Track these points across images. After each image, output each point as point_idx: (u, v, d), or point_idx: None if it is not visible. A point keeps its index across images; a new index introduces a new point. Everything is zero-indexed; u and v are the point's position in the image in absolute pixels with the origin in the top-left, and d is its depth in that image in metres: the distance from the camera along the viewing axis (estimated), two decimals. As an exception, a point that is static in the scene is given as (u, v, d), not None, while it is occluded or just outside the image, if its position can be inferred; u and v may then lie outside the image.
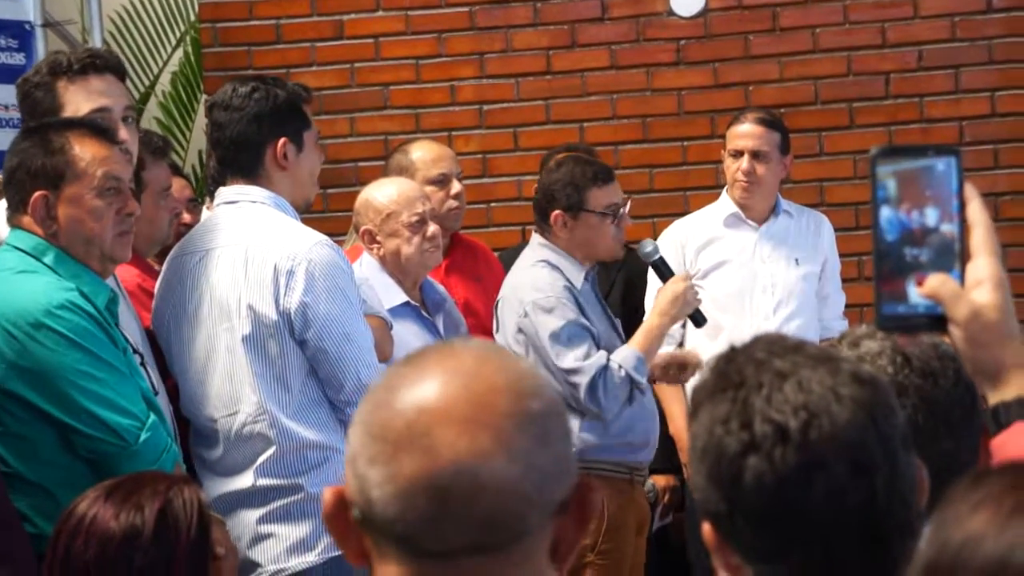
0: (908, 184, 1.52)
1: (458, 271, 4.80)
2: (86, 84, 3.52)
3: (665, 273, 4.44)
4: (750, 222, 5.04)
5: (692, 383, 1.61)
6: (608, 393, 4.27)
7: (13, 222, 3.25)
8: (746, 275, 4.96)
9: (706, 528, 1.53)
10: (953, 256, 1.50)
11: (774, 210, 5.05)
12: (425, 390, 1.33)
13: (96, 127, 3.29)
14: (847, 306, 5.17)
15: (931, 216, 1.51)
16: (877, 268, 1.50)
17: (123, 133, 3.47)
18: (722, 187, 5.22)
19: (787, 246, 5.02)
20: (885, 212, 1.51)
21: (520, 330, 4.38)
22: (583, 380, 4.27)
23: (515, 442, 1.31)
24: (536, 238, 4.57)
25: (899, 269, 1.51)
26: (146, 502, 2.48)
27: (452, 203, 4.67)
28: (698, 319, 4.41)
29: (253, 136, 3.62)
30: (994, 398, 1.49)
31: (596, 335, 4.36)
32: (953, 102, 5.86)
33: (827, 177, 5.91)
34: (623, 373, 4.28)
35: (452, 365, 1.34)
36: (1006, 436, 1.45)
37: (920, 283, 1.50)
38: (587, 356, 4.30)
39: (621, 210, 4.47)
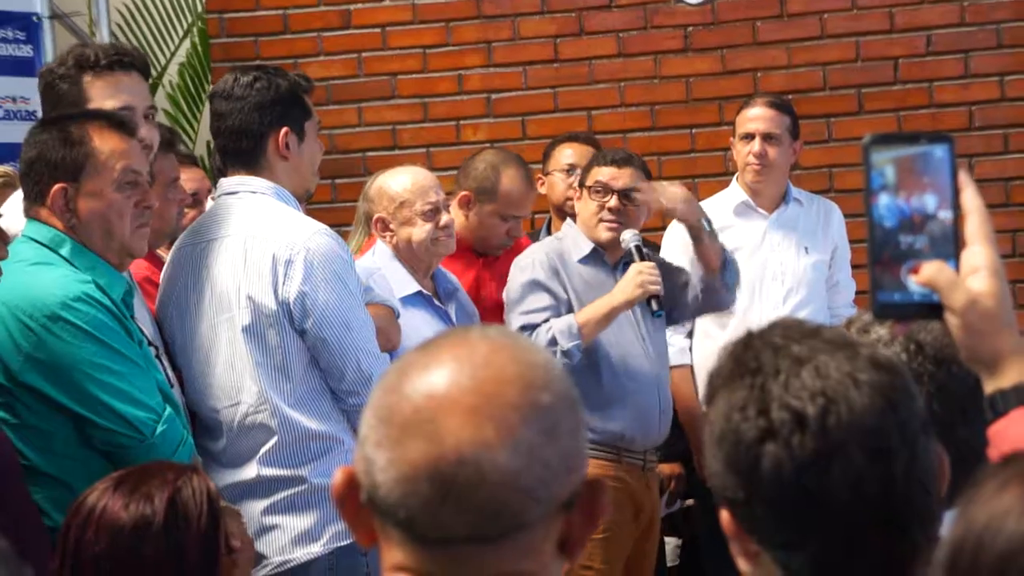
0: (905, 171, 1.51)
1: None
2: (112, 80, 3.52)
3: (634, 260, 4.44)
4: (760, 210, 5.03)
5: (709, 368, 1.58)
6: None
7: (30, 213, 3.25)
8: (756, 263, 4.95)
9: (724, 515, 1.53)
10: (949, 244, 1.50)
11: (784, 198, 5.04)
12: (435, 377, 1.32)
13: (115, 120, 3.28)
14: (857, 293, 5.16)
15: (927, 203, 1.50)
16: (873, 255, 1.49)
17: (144, 131, 3.47)
18: (731, 175, 5.21)
19: (797, 234, 5.01)
20: (883, 199, 1.50)
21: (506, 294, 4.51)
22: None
23: (520, 434, 1.30)
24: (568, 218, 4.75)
25: (895, 257, 1.50)
26: (155, 492, 2.48)
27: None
28: (652, 305, 4.39)
29: (254, 126, 3.62)
30: (990, 386, 1.48)
31: (562, 301, 4.40)
32: (962, 87, 5.84)
33: (836, 163, 5.90)
34: (549, 335, 4.29)
35: (464, 353, 1.34)
36: (1005, 423, 1.44)
37: (916, 271, 1.49)
38: (528, 312, 4.37)
39: (612, 194, 4.47)
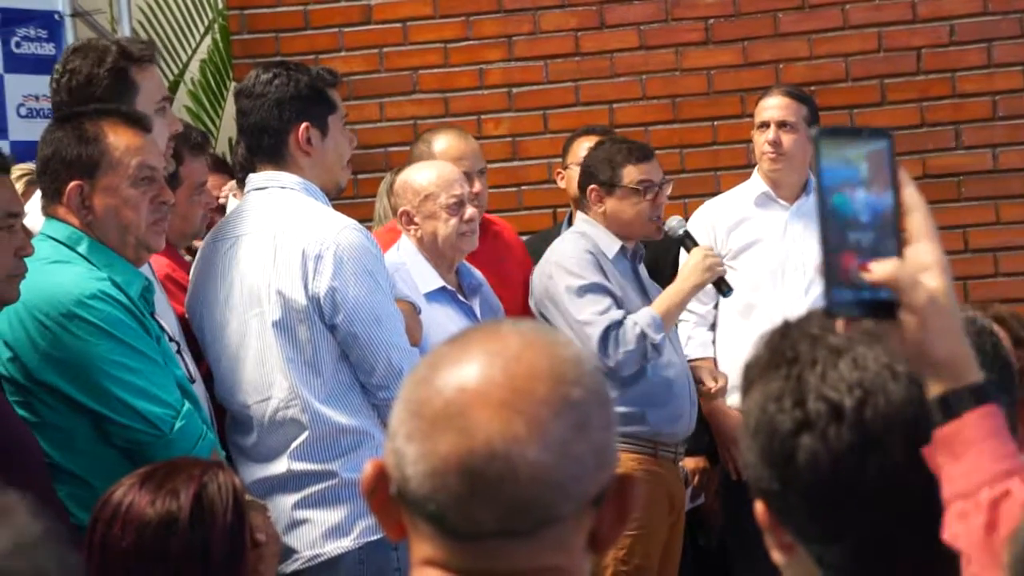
0: (851, 166, 1.47)
1: (480, 253, 4.78)
2: (153, 73, 3.57)
3: (690, 246, 4.52)
4: (781, 201, 5.02)
5: (745, 358, 1.57)
6: (620, 347, 4.34)
7: (48, 211, 3.26)
8: (778, 254, 4.94)
9: (759, 506, 1.52)
10: (893, 240, 1.45)
11: (805, 188, 5.04)
12: (466, 371, 1.32)
13: (130, 116, 3.29)
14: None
15: (872, 199, 1.46)
16: (824, 251, 1.45)
17: (172, 120, 3.56)
18: (753, 167, 5.20)
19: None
20: (832, 194, 1.46)
21: (547, 293, 4.48)
22: (595, 331, 4.35)
23: (550, 429, 1.30)
24: (579, 215, 4.71)
25: (846, 253, 1.45)
26: (181, 487, 2.48)
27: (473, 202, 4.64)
28: (722, 287, 4.46)
29: (274, 122, 3.64)
30: (941, 386, 1.42)
31: (618, 299, 4.42)
32: (986, 76, 5.81)
33: (859, 154, 5.86)
34: (638, 330, 4.33)
35: (496, 347, 1.34)
36: (957, 426, 1.39)
37: (865, 268, 1.44)
38: (605, 311, 4.37)
39: (657, 188, 4.52)
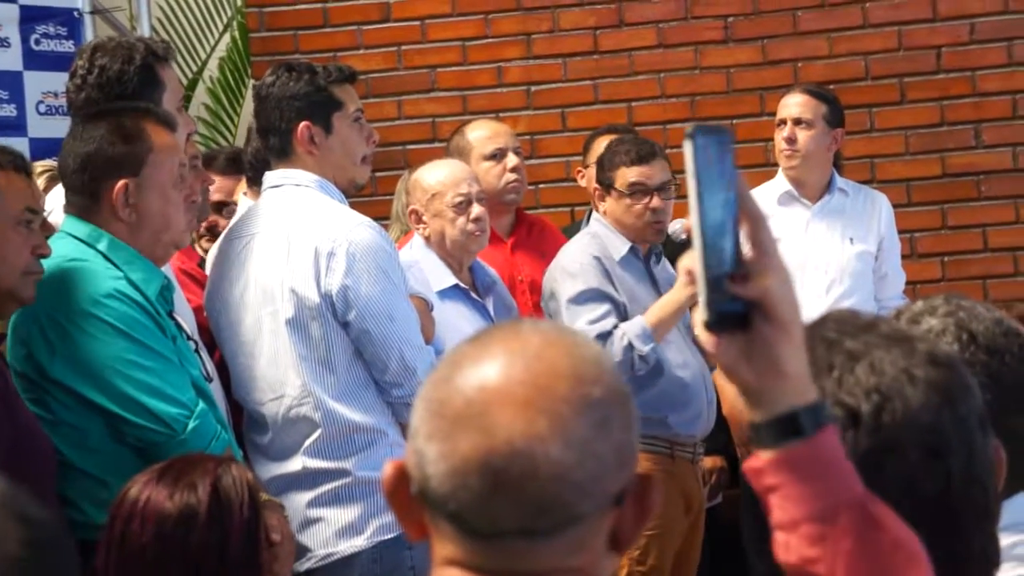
0: (723, 168, 1.33)
1: (523, 248, 4.81)
2: (174, 72, 3.60)
3: None
4: (804, 200, 5.02)
5: None
6: None
7: (81, 209, 3.22)
8: (798, 254, 4.92)
9: None
10: (734, 248, 1.33)
11: (828, 187, 5.02)
12: (487, 370, 1.32)
13: (159, 114, 3.29)
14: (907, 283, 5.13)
15: (728, 205, 1.33)
16: (705, 260, 1.32)
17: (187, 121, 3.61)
18: (773, 165, 5.19)
19: (841, 224, 4.99)
20: (707, 197, 1.31)
21: (552, 295, 4.45)
22: None
23: (572, 428, 1.29)
24: (594, 215, 4.69)
25: (719, 262, 1.32)
26: (198, 481, 2.49)
27: (510, 176, 4.71)
28: None
29: (276, 123, 3.67)
30: (784, 403, 1.32)
31: (620, 305, 4.37)
32: (1007, 75, 5.79)
33: (878, 154, 5.86)
34: (625, 342, 4.26)
35: (517, 346, 1.33)
36: (813, 445, 1.31)
37: (734, 279, 1.31)
38: (597, 321, 4.32)
39: (652, 193, 4.45)
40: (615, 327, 4.31)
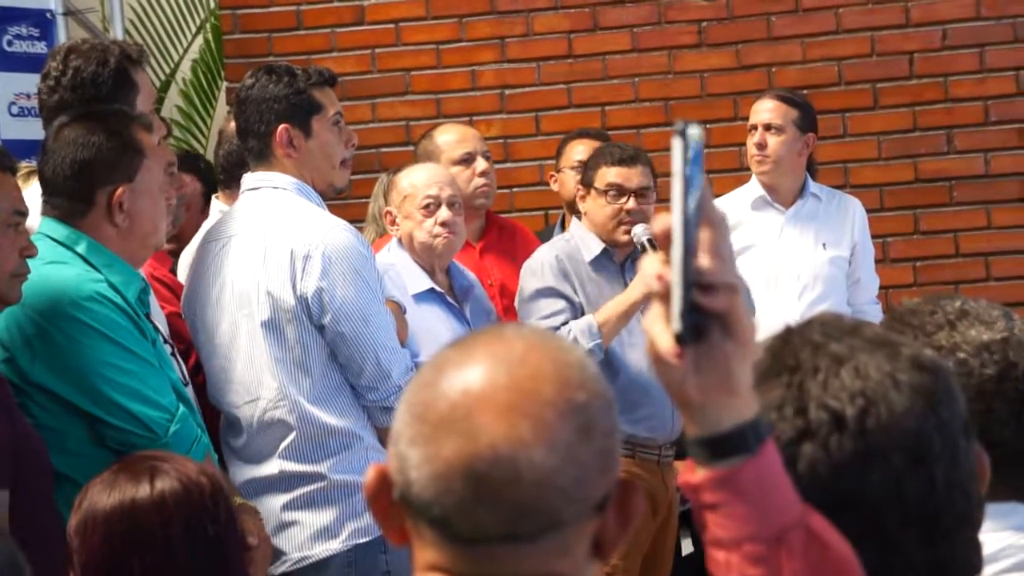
0: (692, 167, 1.26)
1: (493, 252, 4.81)
2: (147, 75, 3.58)
3: (652, 252, 4.44)
4: (777, 205, 5.03)
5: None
6: None
7: (63, 214, 3.20)
8: (772, 258, 4.94)
9: None
10: (692, 256, 1.27)
11: (802, 192, 5.04)
12: (470, 374, 1.31)
13: (145, 120, 3.30)
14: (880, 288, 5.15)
15: (697, 211, 1.26)
16: (684, 266, 1.26)
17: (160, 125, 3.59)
18: (746, 170, 5.20)
19: (814, 229, 5.00)
20: (692, 198, 1.25)
21: (519, 294, 4.50)
22: None
23: (555, 433, 1.29)
24: (573, 218, 4.71)
25: (692, 270, 1.27)
26: (163, 476, 2.45)
27: (479, 180, 4.71)
28: None
29: (255, 125, 3.66)
30: (735, 418, 1.29)
31: (576, 304, 4.39)
32: (978, 81, 5.82)
33: (851, 159, 5.88)
34: (571, 337, 4.25)
35: (500, 350, 1.33)
36: (759, 464, 1.28)
37: (701, 290, 1.26)
38: (547, 317, 4.35)
39: (628, 195, 4.45)
40: (563, 324, 4.32)
